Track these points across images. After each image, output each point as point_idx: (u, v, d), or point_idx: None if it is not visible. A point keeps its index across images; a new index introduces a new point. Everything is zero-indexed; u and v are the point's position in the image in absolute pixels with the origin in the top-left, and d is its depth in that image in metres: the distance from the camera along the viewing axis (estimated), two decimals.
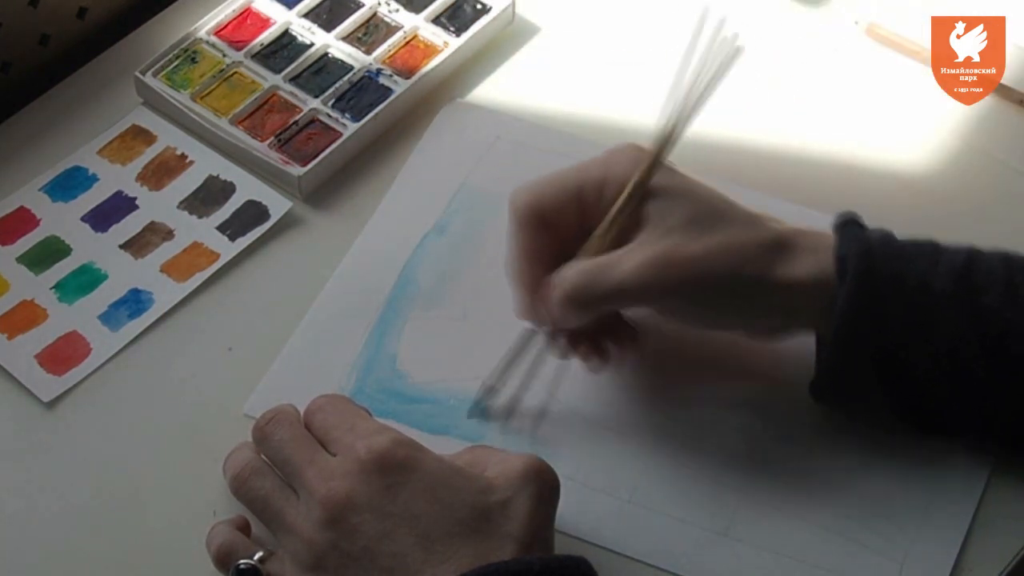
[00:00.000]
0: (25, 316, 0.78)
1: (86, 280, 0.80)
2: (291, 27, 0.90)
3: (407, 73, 0.88)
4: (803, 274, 0.70)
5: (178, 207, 0.83)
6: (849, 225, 0.71)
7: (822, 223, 0.72)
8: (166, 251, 0.81)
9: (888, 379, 0.70)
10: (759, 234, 0.70)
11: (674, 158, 0.74)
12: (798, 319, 0.71)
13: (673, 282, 0.70)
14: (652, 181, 0.71)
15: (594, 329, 0.74)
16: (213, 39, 0.89)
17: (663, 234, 0.70)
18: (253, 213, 0.82)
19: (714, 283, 0.70)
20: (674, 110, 0.72)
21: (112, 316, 0.78)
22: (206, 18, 0.90)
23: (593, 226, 0.72)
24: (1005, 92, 0.87)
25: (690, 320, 0.73)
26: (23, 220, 0.83)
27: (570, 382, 0.75)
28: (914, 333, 0.69)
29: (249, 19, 0.91)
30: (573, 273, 0.71)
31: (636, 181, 0.71)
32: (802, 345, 0.76)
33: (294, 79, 0.88)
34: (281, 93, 0.87)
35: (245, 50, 0.89)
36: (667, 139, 0.72)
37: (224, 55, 0.89)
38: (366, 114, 0.85)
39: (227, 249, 0.81)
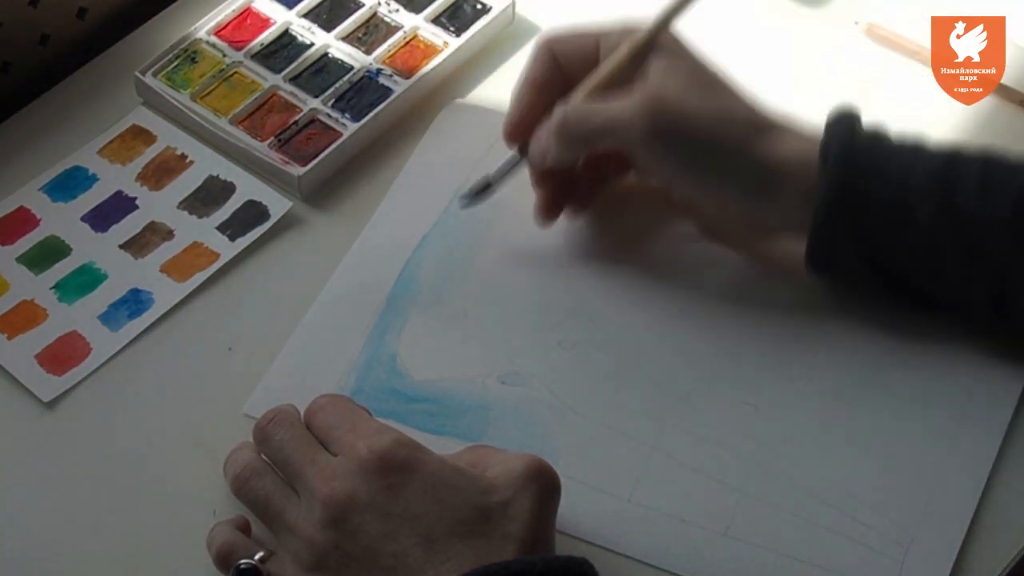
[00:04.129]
0: (25, 316, 0.78)
1: (86, 280, 0.80)
2: (291, 27, 0.90)
3: (407, 73, 0.88)
4: (786, 155, 0.73)
5: (178, 207, 0.83)
6: (841, 120, 0.74)
7: None
8: (166, 251, 0.81)
9: (871, 264, 0.73)
10: (751, 111, 0.74)
11: None
12: (775, 201, 0.74)
13: (660, 126, 0.73)
14: (661, 42, 0.75)
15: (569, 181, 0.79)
16: (213, 39, 0.89)
17: (659, 85, 0.73)
18: (253, 213, 0.82)
19: (701, 139, 0.73)
20: None
21: (112, 316, 0.78)
22: (206, 18, 0.90)
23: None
24: (1005, 92, 0.87)
25: (673, 181, 0.76)
26: (23, 220, 0.83)
27: (570, 381, 0.75)
28: (892, 225, 0.72)
29: (249, 19, 0.91)
30: (569, 107, 0.75)
31: (645, 36, 0.75)
32: (801, 347, 0.76)
33: (294, 79, 0.88)
34: (281, 93, 0.87)
35: (245, 50, 0.89)
36: (680, 5, 0.75)
37: (224, 55, 0.89)
38: (366, 114, 0.85)
39: (227, 249, 0.81)
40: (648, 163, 0.76)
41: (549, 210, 0.80)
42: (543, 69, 0.78)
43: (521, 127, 0.78)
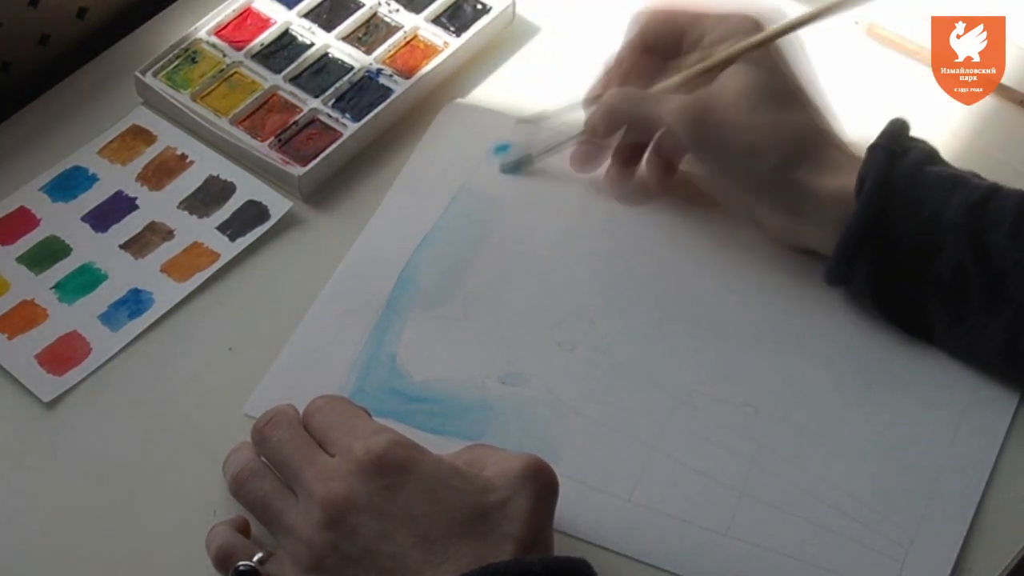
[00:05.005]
0: (25, 316, 0.78)
1: (86, 280, 0.80)
2: (291, 27, 0.90)
3: (407, 73, 0.88)
4: (825, 185, 0.74)
5: (178, 207, 0.83)
6: (883, 145, 0.74)
7: None
8: (166, 251, 0.81)
9: (891, 292, 0.74)
10: (805, 132, 0.75)
11: None
12: (805, 224, 0.75)
13: (699, 135, 0.76)
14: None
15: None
16: (213, 39, 0.89)
17: (714, 94, 0.75)
18: (253, 213, 0.82)
19: (739, 153, 0.75)
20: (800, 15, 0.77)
21: (112, 316, 0.78)
22: (206, 18, 0.90)
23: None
24: (1005, 92, 0.87)
25: (710, 184, 0.80)
26: (23, 220, 0.83)
27: (570, 381, 0.75)
28: (918, 257, 0.73)
29: (249, 19, 0.91)
30: (622, 91, 0.80)
31: (726, 55, 0.76)
32: (801, 347, 0.76)
33: (294, 79, 0.88)
34: (281, 93, 0.87)
35: (245, 50, 0.89)
36: (779, 33, 0.76)
37: (224, 55, 0.89)
38: (366, 114, 0.85)
39: (227, 249, 0.81)
40: (698, 167, 0.80)
41: (616, 178, 0.82)
42: (632, 50, 0.81)
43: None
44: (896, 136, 0.75)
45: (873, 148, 0.74)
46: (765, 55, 0.77)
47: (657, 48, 0.81)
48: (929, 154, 0.75)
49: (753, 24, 0.78)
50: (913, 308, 0.74)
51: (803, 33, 0.91)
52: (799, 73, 0.77)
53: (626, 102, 0.80)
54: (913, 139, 0.76)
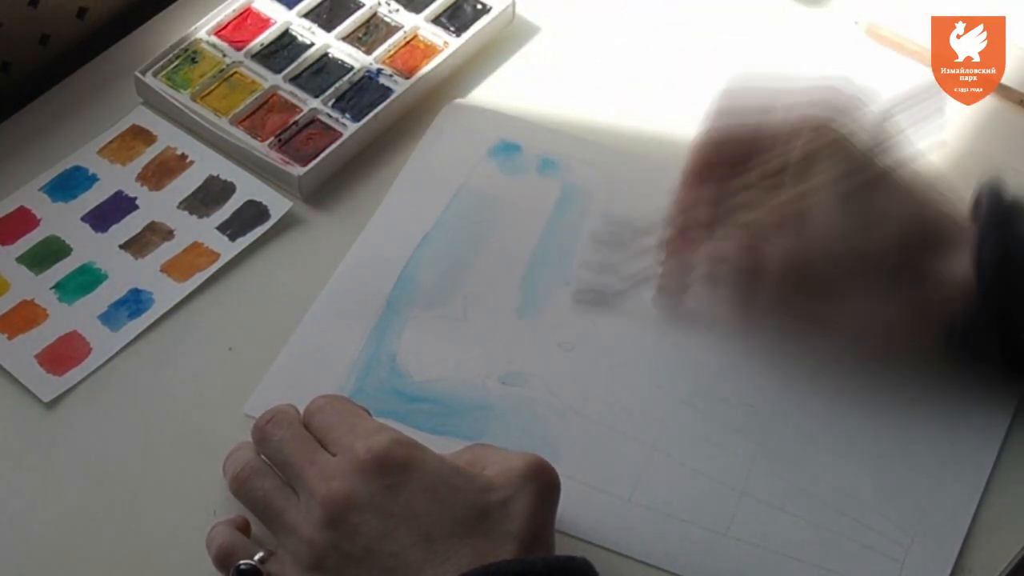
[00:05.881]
0: (25, 316, 0.78)
1: (86, 280, 0.80)
2: (291, 27, 0.90)
3: (407, 73, 0.88)
4: (946, 271, 0.71)
5: (178, 207, 0.83)
6: (991, 220, 0.71)
7: None
8: (166, 251, 0.81)
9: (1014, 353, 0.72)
10: (906, 228, 0.72)
11: (668, 157, 0.74)
12: (927, 312, 0.72)
13: (806, 285, 0.73)
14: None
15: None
16: (213, 39, 0.89)
17: (811, 230, 0.72)
18: (253, 213, 0.82)
19: (839, 276, 0.72)
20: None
21: (112, 316, 0.78)
22: (206, 18, 0.90)
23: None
24: (1005, 92, 0.87)
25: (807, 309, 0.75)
26: (23, 220, 0.83)
27: (570, 381, 0.75)
28: None
29: (249, 19, 0.91)
30: (720, 251, 0.75)
31: (827, 180, 0.72)
32: (801, 347, 0.76)
33: (294, 79, 0.88)
34: (281, 93, 0.87)
35: (245, 50, 0.89)
36: (874, 149, 0.73)
37: (224, 55, 0.89)
38: (366, 114, 0.85)
39: (227, 249, 0.81)
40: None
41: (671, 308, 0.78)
42: (693, 177, 0.77)
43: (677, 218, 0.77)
44: (997, 205, 0.72)
45: (982, 228, 0.71)
46: (845, 155, 0.73)
47: (722, 167, 0.76)
48: None
49: (837, 139, 0.74)
50: None
51: (803, 33, 0.92)
52: (879, 149, 0.74)
53: (726, 260, 0.75)
54: (1013, 200, 0.73)
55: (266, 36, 0.90)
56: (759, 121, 0.75)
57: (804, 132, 0.74)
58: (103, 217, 0.83)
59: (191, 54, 0.89)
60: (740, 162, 0.75)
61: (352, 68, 0.88)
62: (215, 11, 0.90)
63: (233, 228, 0.82)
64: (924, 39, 0.87)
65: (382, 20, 0.91)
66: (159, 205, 0.83)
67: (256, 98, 0.86)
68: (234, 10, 0.91)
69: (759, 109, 0.76)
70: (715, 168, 0.76)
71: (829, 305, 0.74)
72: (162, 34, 0.91)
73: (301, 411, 0.70)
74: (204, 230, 0.82)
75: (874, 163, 0.73)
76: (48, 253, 0.81)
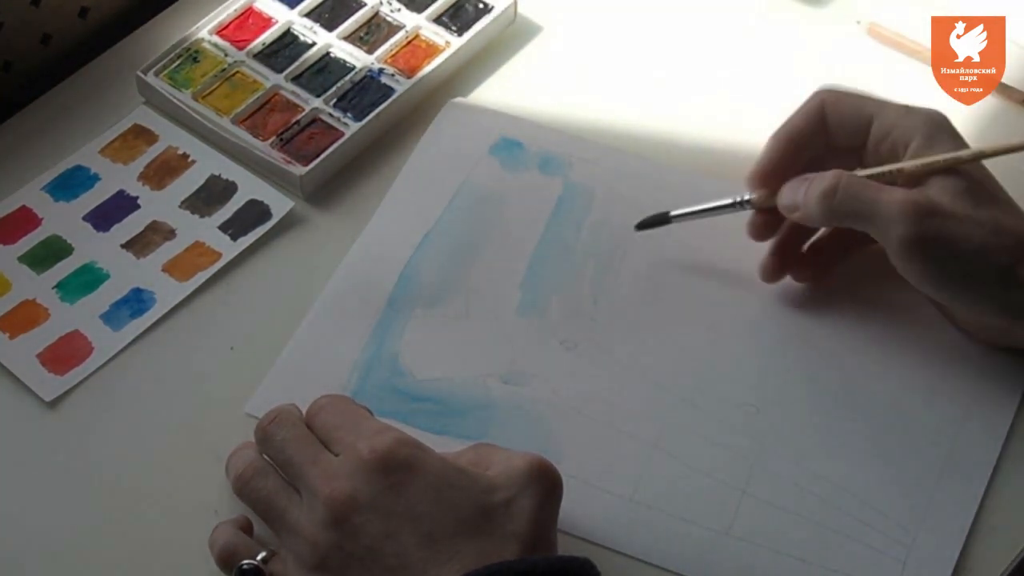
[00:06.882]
0: (27, 316, 0.78)
1: (88, 279, 0.80)
2: (293, 27, 0.90)
3: (409, 73, 0.88)
4: None
5: (180, 206, 0.83)
6: None
7: None
8: (168, 250, 0.81)
9: None
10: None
11: (670, 156, 0.74)
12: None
13: (927, 233, 0.71)
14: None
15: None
16: (215, 39, 0.89)
17: (933, 192, 0.71)
18: (255, 212, 0.82)
19: (969, 252, 0.71)
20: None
21: (114, 315, 0.78)
22: (208, 18, 0.90)
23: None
24: (1005, 92, 0.87)
25: (926, 287, 0.73)
26: (25, 219, 0.83)
27: (572, 380, 0.75)
28: None
29: (251, 19, 0.91)
30: (847, 177, 0.73)
31: (957, 159, 0.73)
32: (802, 347, 0.76)
33: (296, 79, 0.88)
34: (283, 93, 0.87)
35: (247, 50, 0.89)
36: (983, 155, 0.74)
37: (226, 55, 0.89)
38: (368, 114, 0.85)
39: (229, 248, 0.81)
40: (904, 266, 0.73)
41: (774, 269, 0.78)
42: (809, 124, 0.76)
43: (769, 175, 0.76)
44: None
45: None
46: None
47: (834, 130, 0.76)
48: None
49: (943, 120, 0.74)
50: None
51: (805, 33, 0.92)
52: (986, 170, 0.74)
53: (850, 186, 0.73)
54: None
55: (268, 36, 0.90)
56: (876, 101, 0.75)
57: (920, 114, 0.74)
58: (105, 216, 0.83)
59: (193, 54, 0.89)
60: (851, 134, 0.75)
61: (354, 68, 0.88)
62: (217, 11, 0.90)
63: (235, 228, 0.82)
64: (924, 39, 0.87)
65: (384, 20, 0.91)
66: (161, 205, 0.83)
67: (258, 98, 0.86)
68: (236, 10, 0.91)
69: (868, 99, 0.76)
70: (827, 129, 0.75)
71: (951, 287, 0.73)
72: (164, 34, 0.91)
73: (303, 411, 0.70)
74: (206, 229, 0.82)
75: (988, 172, 0.74)
76: (49, 253, 0.81)
